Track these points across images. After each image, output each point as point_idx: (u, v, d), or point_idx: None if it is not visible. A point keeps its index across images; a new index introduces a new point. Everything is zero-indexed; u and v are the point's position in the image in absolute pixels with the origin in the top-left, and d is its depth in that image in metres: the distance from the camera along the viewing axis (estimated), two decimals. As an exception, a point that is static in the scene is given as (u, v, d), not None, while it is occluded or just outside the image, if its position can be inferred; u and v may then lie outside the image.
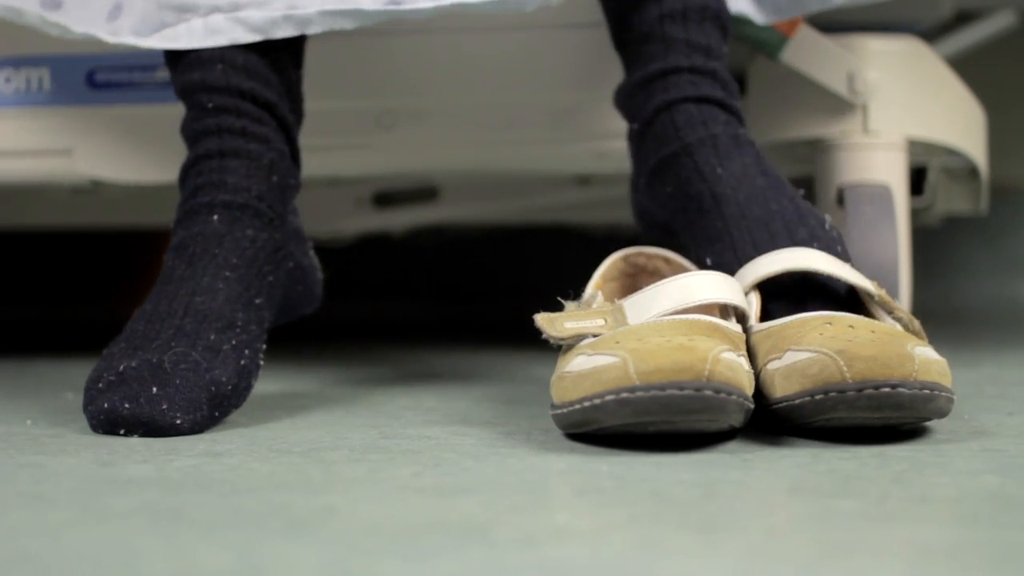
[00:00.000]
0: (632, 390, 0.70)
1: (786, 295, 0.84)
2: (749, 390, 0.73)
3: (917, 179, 1.21)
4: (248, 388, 0.84)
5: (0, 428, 0.83)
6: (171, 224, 0.90)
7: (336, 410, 0.89)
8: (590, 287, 0.87)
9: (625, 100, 0.92)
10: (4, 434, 0.81)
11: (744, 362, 0.74)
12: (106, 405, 0.79)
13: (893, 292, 1.05)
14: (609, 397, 0.71)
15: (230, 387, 0.81)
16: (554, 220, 1.46)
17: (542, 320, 0.78)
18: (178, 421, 0.78)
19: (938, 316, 1.72)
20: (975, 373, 1.08)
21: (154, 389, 0.78)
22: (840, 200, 1.09)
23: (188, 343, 0.82)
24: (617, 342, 0.74)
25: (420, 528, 0.54)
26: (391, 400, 0.94)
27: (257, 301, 0.87)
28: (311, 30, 0.90)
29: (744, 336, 0.79)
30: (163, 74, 1.08)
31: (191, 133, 0.91)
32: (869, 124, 1.09)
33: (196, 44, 0.91)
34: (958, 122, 1.13)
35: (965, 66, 1.34)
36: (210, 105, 0.90)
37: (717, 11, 0.91)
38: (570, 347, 0.78)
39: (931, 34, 1.39)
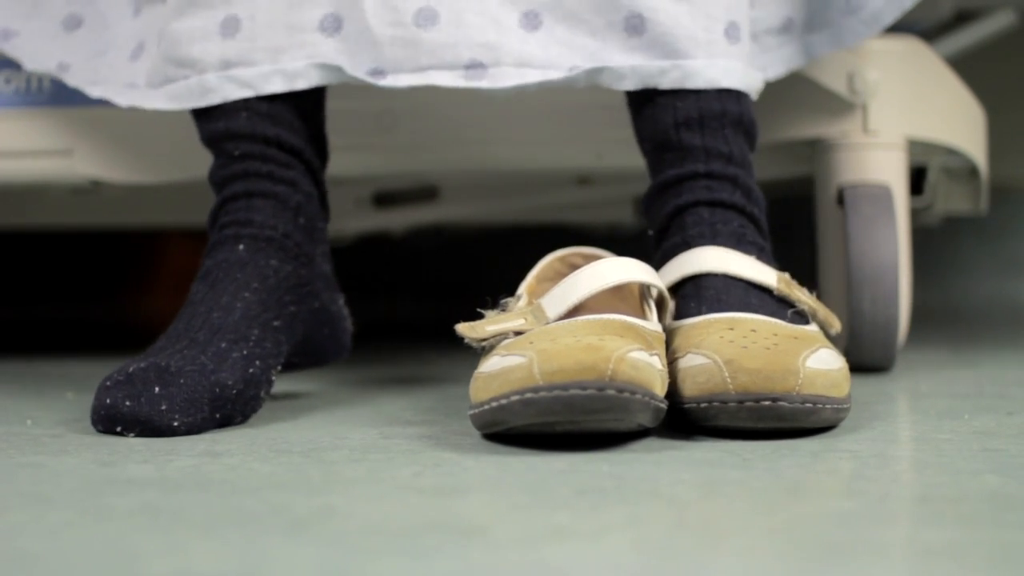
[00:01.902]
0: (536, 390, 0.70)
1: (709, 292, 0.85)
2: (660, 389, 0.74)
3: (917, 179, 1.21)
4: (256, 399, 0.84)
5: (0, 428, 0.83)
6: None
7: (336, 410, 0.89)
8: (522, 287, 0.88)
9: (646, 207, 0.92)
10: (4, 434, 0.81)
11: (656, 361, 0.74)
12: (108, 401, 0.79)
13: (891, 286, 1.05)
14: (515, 397, 0.71)
15: (235, 391, 0.81)
16: (554, 220, 1.46)
17: (463, 327, 0.79)
18: (175, 423, 0.78)
19: (938, 316, 1.72)
20: (975, 373, 1.08)
21: (156, 389, 0.78)
22: (840, 200, 1.09)
23: (198, 350, 0.82)
24: (531, 342, 0.74)
25: (420, 528, 0.54)
26: (391, 400, 0.94)
27: (275, 323, 0.87)
28: (299, 85, 0.91)
29: (662, 335, 0.80)
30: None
31: (218, 179, 0.92)
32: (869, 124, 1.09)
33: (192, 104, 0.92)
34: (958, 122, 1.13)
35: (965, 66, 1.34)
36: (236, 152, 0.91)
37: (738, 116, 0.89)
38: (492, 348, 0.78)
39: (931, 34, 1.39)
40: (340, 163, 1.11)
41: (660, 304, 0.85)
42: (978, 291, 1.88)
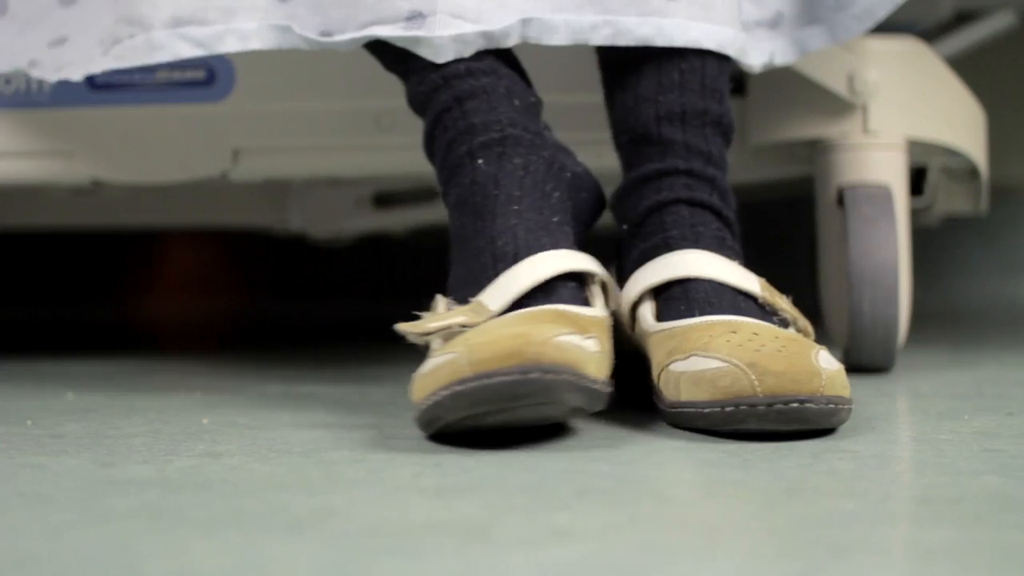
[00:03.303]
0: (464, 381, 0.71)
1: (686, 295, 0.85)
2: (596, 371, 0.73)
3: (917, 179, 1.21)
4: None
5: (0, 428, 0.83)
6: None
7: (336, 410, 0.89)
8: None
9: (618, 202, 0.90)
10: (4, 434, 0.81)
11: (591, 344, 0.74)
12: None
13: (891, 287, 1.05)
14: (444, 392, 0.72)
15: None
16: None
17: (403, 326, 0.79)
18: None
19: (938, 316, 1.72)
20: (975, 373, 1.08)
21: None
22: (840, 200, 1.09)
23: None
24: (466, 339, 0.74)
25: (420, 528, 0.55)
26: (391, 400, 0.94)
27: (555, 219, 0.85)
28: (252, 45, 0.90)
29: (604, 319, 0.80)
30: (163, 75, 1.08)
31: (419, 98, 0.89)
32: (869, 124, 1.09)
33: (139, 61, 0.91)
34: (958, 122, 1.13)
35: (965, 66, 1.34)
36: (427, 63, 0.88)
37: (719, 116, 0.89)
38: (432, 351, 0.78)
39: (931, 34, 1.39)
40: (340, 163, 1.11)
41: (604, 291, 0.85)
42: (978, 291, 1.88)
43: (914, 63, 1.10)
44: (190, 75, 1.09)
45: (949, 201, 1.27)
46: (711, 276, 0.84)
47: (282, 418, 0.86)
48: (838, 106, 1.09)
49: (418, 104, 0.89)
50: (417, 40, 0.86)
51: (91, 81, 1.09)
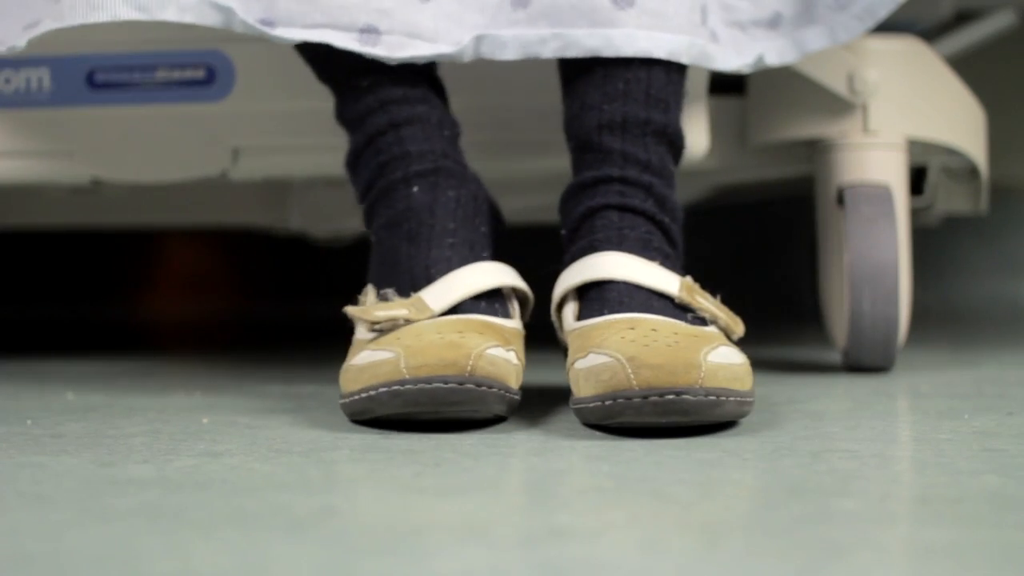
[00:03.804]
0: (403, 383, 0.78)
1: (613, 295, 0.86)
2: (514, 382, 0.80)
3: (917, 179, 1.21)
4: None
5: (0, 428, 0.83)
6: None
7: (336, 410, 0.89)
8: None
9: (562, 207, 0.92)
10: (4, 434, 0.81)
11: (512, 356, 0.81)
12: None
13: (891, 287, 1.05)
14: (383, 389, 0.79)
15: None
16: (554, 220, 1.46)
17: (353, 310, 0.86)
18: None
19: (938, 316, 1.72)
20: (975, 373, 1.08)
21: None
22: (840, 200, 1.09)
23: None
24: (398, 339, 0.81)
25: (420, 528, 0.55)
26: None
27: (484, 254, 0.89)
28: (188, 18, 0.90)
29: (520, 332, 0.87)
30: (163, 74, 1.08)
31: (351, 115, 0.92)
32: (869, 124, 1.09)
33: (79, 20, 0.91)
34: (958, 122, 1.13)
35: (965, 66, 1.34)
36: (365, 84, 0.91)
37: (663, 126, 0.89)
38: (359, 342, 0.85)
39: (931, 34, 1.39)
40: (340, 163, 1.11)
41: (523, 302, 0.91)
42: (978, 291, 1.88)
43: (914, 63, 1.10)
44: (190, 74, 1.09)
45: (949, 201, 1.27)
46: (625, 277, 0.85)
47: (282, 418, 0.86)
48: (838, 105, 1.09)
49: (349, 121, 0.93)
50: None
51: (91, 80, 1.09)
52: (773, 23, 0.99)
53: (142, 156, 1.10)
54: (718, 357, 0.77)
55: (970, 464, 0.67)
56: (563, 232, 0.91)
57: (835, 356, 1.21)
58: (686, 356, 0.76)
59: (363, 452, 0.73)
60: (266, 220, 1.48)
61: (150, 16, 0.90)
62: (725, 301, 0.89)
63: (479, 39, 0.89)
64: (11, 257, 2.14)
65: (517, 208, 1.39)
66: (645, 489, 0.62)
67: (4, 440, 0.78)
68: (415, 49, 0.89)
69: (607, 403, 0.76)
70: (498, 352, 0.79)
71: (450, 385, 0.77)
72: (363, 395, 0.80)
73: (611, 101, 0.89)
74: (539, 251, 1.07)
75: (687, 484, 0.63)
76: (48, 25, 0.93)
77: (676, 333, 0.79)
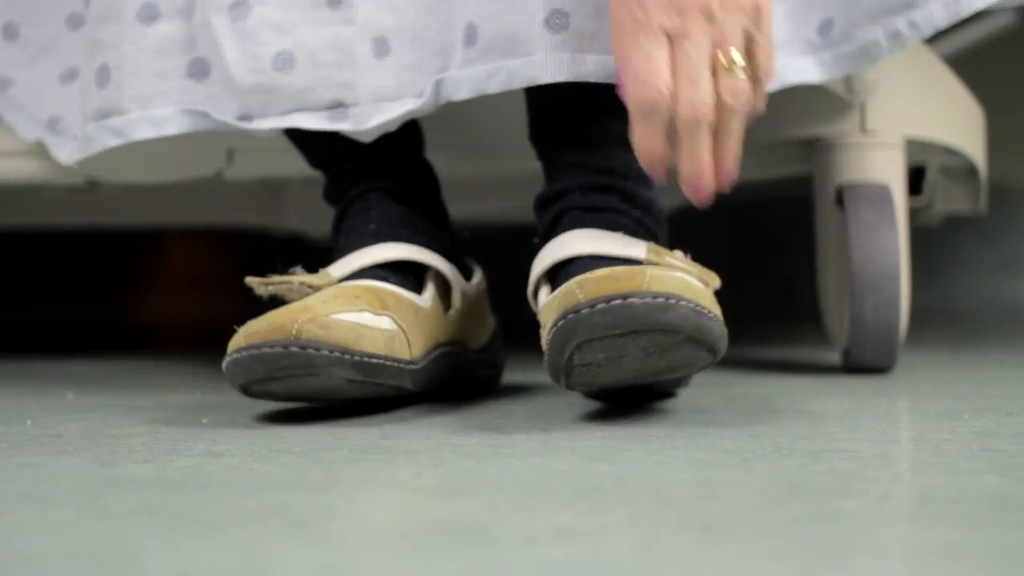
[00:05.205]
0: (239, 350, 0.80)
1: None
2: (373, 346, 0.81)
3: (916, 179, 1.21)
4: None
5: (0, 428, 0.83)
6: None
7: (336, 410, 0.89)
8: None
9: (536, 216, 0.94)
10: (4, 434, 0.81)
11: (385, 321, 0.82)
12: None
13: (893, 292, 1.05)
14: (227, 359, 0.81)
15: None
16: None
17: (252, 280, 0.89)
18: None
19: (938, 316, 1.72)
20: (975, 373, 1.08)
21: None
22: (839, 200, 1.09)
23: None
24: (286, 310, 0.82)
25: (420, 528, 0.55)
26: (391, 400, 0.94)
27: (410, 241, 0.94)
28: (167, 130, 0.93)
29: (418, 305, 0.88)
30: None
31: (334, 198, 0.99)
32: (867, 123, 1.09)
33: (80, 156, 0.97)
34: (957, 121, 1.13)
35: (964, 66, 1.34)
36: (348, 167, 0.97)
37: (622, 135, 0.88)
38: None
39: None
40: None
41: (448, 287, 0.93)
42: (978, 291, 1.88)
43: (913, 63, 1.10)
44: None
45: (948, 201, 1.27)
46: (588, 251, 0.85)
47: (282, 418, 0.86)
48: (836, 105, 1.09)
49: (334, 200, 0.98)
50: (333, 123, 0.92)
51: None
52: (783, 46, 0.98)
53: (137, 156, 1.10)
54: (665, 272, 0.77)
55: (970, 464, 0.67)
56: (536, 241, 0.92)
57: (835, 356, 1.21)
58: (633, 270, 0.76)
59: (363, 452, 0.73)
60: (263, 220, 1.48)
61: (128, 139, 0.94)
62: (723, 296, 0.89)
63: (438, 83, 0.89)
64: (11, 257, 2.14)
65: (517, 208, 1.40)
66: (645, 489, 0.62)
67: (4, 440, 0.78)
68: (383, 114, 0.91)
69: (560, 323, 0.76)
70: (348, 316, 0.80)
71: (276, 349, 0.78)
72: (223, 366, 0.81)
73: (565, 115, 0.91)
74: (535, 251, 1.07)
75: (687, 484, 0.63)
76: (76, 155, 0.99)
77: (632, 269, 0.79)
